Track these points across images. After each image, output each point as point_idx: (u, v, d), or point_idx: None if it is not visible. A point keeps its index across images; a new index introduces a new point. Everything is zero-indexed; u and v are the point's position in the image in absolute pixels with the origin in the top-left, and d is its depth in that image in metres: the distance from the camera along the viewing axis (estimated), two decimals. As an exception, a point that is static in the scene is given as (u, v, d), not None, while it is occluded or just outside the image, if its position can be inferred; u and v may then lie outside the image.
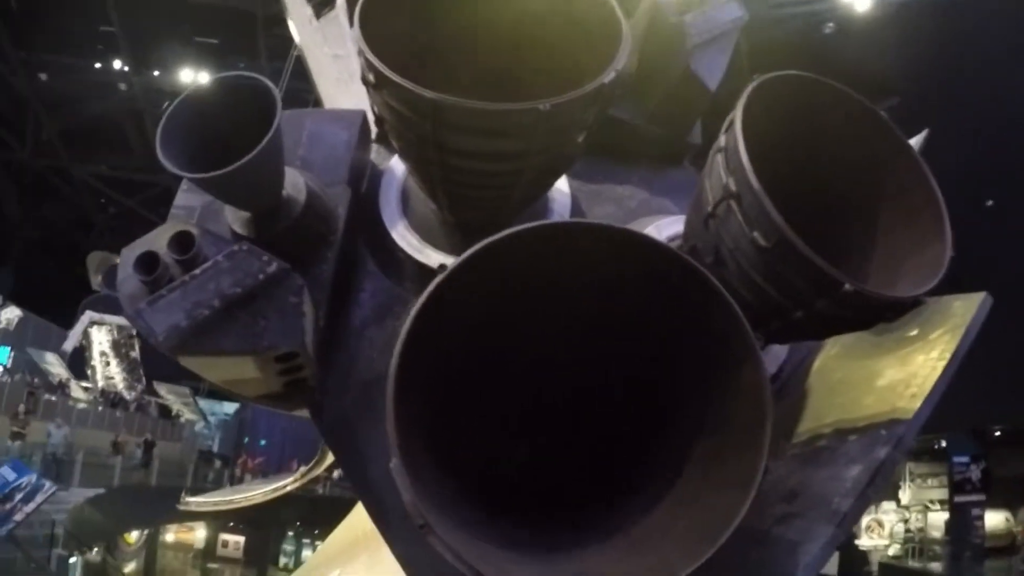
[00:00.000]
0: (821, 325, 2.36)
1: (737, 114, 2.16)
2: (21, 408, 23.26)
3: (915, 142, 5.36)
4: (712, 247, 2.29)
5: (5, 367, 29.52)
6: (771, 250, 2.08)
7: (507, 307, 1.99)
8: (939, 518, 26.93)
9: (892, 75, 14.13)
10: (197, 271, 2.61)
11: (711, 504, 1.86)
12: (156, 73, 27.35)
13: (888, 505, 29.44)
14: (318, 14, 4.58)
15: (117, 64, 30.22)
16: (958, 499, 25.18)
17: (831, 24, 14.02)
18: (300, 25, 4.97)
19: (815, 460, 2.54)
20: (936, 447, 27.69)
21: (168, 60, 26.24)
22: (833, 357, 3.18)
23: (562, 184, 3.25)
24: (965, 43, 13.72)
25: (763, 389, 1.81)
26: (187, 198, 3.08)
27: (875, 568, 25.94)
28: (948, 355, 2.57)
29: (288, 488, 8.08)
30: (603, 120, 3.28)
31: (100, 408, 31.35)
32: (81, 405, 30.25)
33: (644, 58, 3.37)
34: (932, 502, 27.74)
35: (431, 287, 1.80)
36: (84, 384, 32.07)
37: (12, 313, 30.51)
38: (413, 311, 1.79)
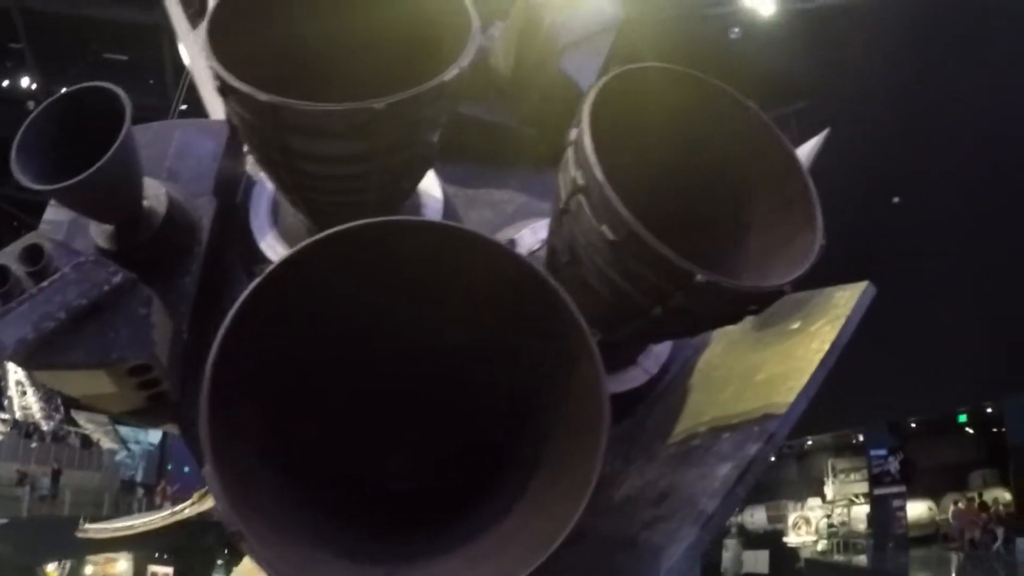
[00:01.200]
0: (685, 321, 2.33)
1: (585, 107, 2.13)
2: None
3: (815, 142, 5.47)
4: (567, 244, 2.26)
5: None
6: (621, 244, 2.04)
7: (343, 309, 1.92)
8: (863, 511, 27.69)
9: (799, 79, 14.47)
10: (45, 283, 2.60)
11: (552, 511, 1.80)
12: (64, 91, 26.64)
13: (814, 501, 30.20)
14: (195, 24, 4.50)
15: (25, 82, 29.26)
16: (878, 491, 25.88)
17: (736, 29, 14.23)
18: (182, 36, 4.89)
19: (687, 460, 2.50)
20: (855, 442, 28.47)
21: (77, 77, 25.53)
22: (717, 354, 3.17)
23: (434, 190, 3.23)
24: (869, 45, 14.15)
25: (600, 389, 1.76)
26: (55, 213, 3.08)
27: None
28: (827, 346, 2.56)
29: (186, 512, 7.84)
30: (479, 125, 3.31)
31: (14, 439, 30.20)
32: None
33: (519, 60, 3.35)
34: (856, 496, 28.52)
35: (248, 289, 1.75)
36: (2, 415, 31.04)
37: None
38: (231, 312, 1.73)
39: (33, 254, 2.67)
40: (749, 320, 3.15)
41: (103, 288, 2.61)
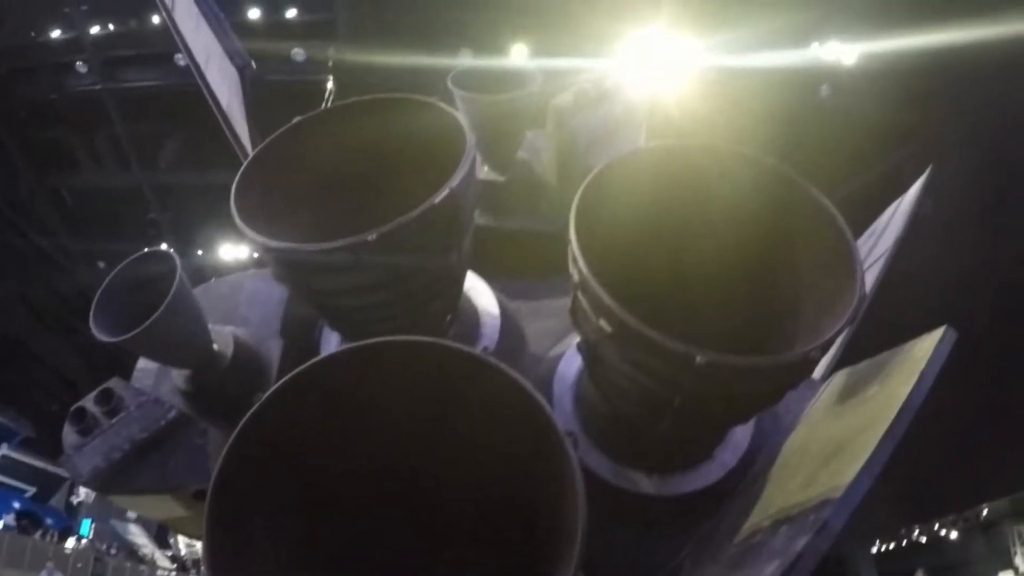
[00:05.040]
0: (715, 406, 2.19)
1: (575, 202, 2.09)
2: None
3: (918, 185, 5.15)
4: (584, 343, 2.19)
5: (88, 538, 30.16)
6: (618, 335, 1.96)
7: (333, 430, 1.95)
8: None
9: (902, 122, 13.77)
10: (115, 420, 3.07)
11: None
12: (200, 252, 28.89)
13: (1005, 575, 27.27)
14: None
15: (164, 247, 31.78)
16: None
17: (824, 86, 13.80)
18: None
19: (743, 560, 2.26)
20: (1036, 503, 25.62)
21: (209, 239, 27.76)
22: (798, 436, 2.94)
23: (492, 307, 3.29)
24: (962, 80, 13.30)
25: (576, 496, 1.65)
26: (146, 361, 3.47)
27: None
28: (893, 412, 2.30)
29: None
30: (535, 237, 3.46)
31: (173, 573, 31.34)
32: (161, 573, 30.46)
33: (560, 165, 3.38)
34: (1054, 565, 25.49)
35: (243, 420, 1.83)
36: (168, 552, 32.58)
37: (91, 489, 31.12)
38: (231, 439, 1.82)
39: (106, 396, 3.13)
40: (833, 392, 2.94)
41: (160, 423, 3.02)
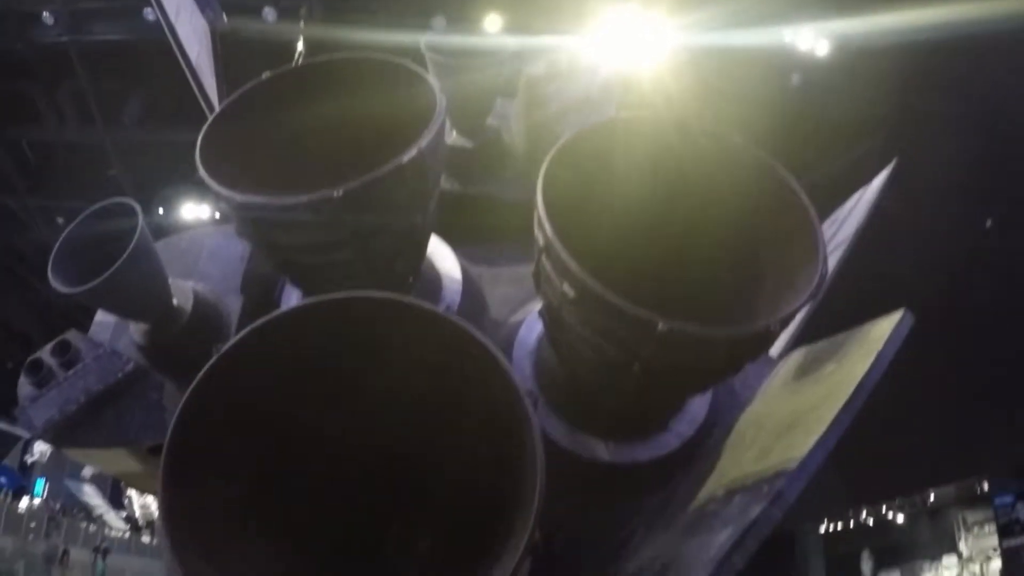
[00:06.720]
0: (674, 375, 2.22)
1: (543, 167, 2.10)
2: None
3: (882, 176, 5.22)
4: (546, 307, 2.21)
5: (41, 498, 29.77)
6: (580, 300, 1.98)
7: (293, 386, 1.95)
8: (998, 566, 25.44)
9: (871, 115, 13.99)
10: (70, 372, 3.05)
11: None
12: (161, 211, 28.52)
13: (949, 559, 28.02)
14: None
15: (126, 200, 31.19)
16: (1007, 543, 23.76)
17: (796, 75, 13.92)
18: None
19: (696, 528, 2.32)
20: (980, 491, 26.37)
21: (170, 198, 27.37)
22: (754, 410, 3.01)
23: (454, 272, 3.29)
24: (934, 73, 13.50)
25: (534, 452, 1.67)
26: (104, 315, 3.40)
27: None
28: (850, 389, 2.36)
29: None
30: (499, 204, 3.45)
31: (125, 535, 30.95)
32: (114, 532, 30.15)
33: (530, 134, 3.39)
34: (994, 549, 26.23)
35: (200, 374, 1.82)
36: (121, 513, 32.36)
37: (46, 444, 30.82)
38: (188, 390, 1.81)
39: (63, 347, 3.10)
40: (790, 369, 3.00)
41: (117, 375, 2.98)
